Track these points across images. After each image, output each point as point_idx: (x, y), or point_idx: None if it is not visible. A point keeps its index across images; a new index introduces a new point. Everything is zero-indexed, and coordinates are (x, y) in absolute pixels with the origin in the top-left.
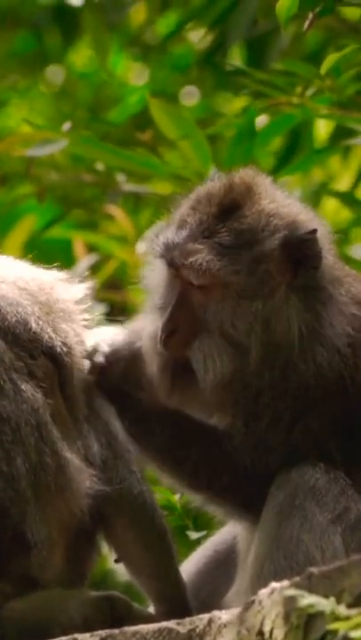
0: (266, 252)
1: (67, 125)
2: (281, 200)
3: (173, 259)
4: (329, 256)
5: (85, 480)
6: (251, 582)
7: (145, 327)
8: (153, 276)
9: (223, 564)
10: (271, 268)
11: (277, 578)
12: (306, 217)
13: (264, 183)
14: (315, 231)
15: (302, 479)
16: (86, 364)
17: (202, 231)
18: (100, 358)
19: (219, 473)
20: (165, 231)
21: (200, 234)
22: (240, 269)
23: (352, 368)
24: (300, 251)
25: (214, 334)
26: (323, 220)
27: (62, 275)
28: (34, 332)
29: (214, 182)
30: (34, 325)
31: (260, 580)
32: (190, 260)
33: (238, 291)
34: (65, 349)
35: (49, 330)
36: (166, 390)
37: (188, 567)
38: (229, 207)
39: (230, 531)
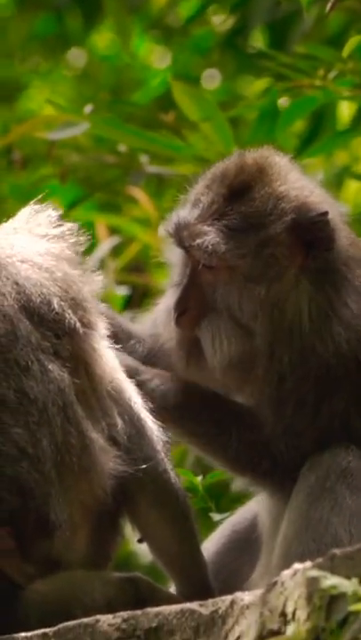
0: (272, 236)
1: (88, 108)
2: (293, 182)
3: (182, 239)
4: (343, 237)
5: (109, 461)
6: (278, 562)
7: (164, 302)
8: (171, 254)
9: (243, 544)
10: (278, 252)
11: (305, 559)
12: (317, 199)
13: (278, 164)
14: (325, 213)
15: (334, 461)
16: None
17: (212, 212)
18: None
19: (259, 458)
20: (179, 210)
21: (210, 215)
22: (246, 253)
23: None
24: (310, 233)
25: (222, 315)
26: (337, 202)
27: (72, 245)
28: (57, 313)
29: (230, 161)
30: (57, 306)
31: (287, 561)
32: (198, 241)
33: (244, 274)
34: (87, 328)
35: (70, 310)
36: (182, 366)
37: (208, 548)
38: (239, 189)
39: (249, 510)
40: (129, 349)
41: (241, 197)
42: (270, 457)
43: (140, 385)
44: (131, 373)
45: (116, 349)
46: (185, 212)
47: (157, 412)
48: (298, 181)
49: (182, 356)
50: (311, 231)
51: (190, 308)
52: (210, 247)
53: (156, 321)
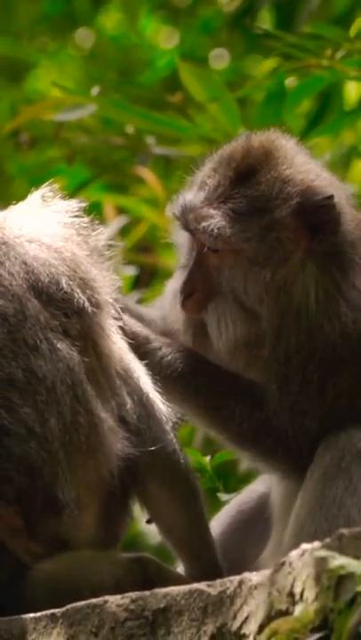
0: (277, 220)
1: (95, 89)
2: (299, 165)
3: (188, 222)
4: (349, 221)
5: (118, 441)
6: (290, 541)
7: (171, 284)
8: (178, 236)
9: (249, 524)
10: (283, 236)
11: (317, 538)
12: (323, 182)
13: (285, 147)
14: (331, 197)
15: (350, 442)
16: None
17: (218, 195)
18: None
19: (262, 435)
20: (186, 192)
21: (216, 198)
22: (251, 237)
23: None
24: (315, 217)
25: (228, 298)
26: (343, 184)
27: (82, 222)
28: (65, 292)
29: (237, 144)
30: (65, 285)
31: (298, 540)
32: (203, 224)
33: (250, 257)
34: (95, 307)
35: (78, 289)
36: (190, 344)
37: (214, 527)
38: (246, 172)
39: (255, 490)
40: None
41: (247, 181)
42: (274, 434)
43: (149, 353)
44: (140, 341)
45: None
46: (191, 195)
47: (163, 382)
48: (304, 165)
49: (189, 339)
50: (317, 215)
51: (197, 291)
52: (215, 231)
53: (166, 307)
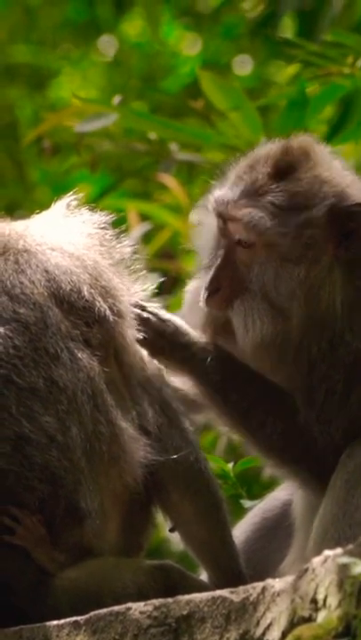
0: (314, 218)
1: (117, 99)
2: (336, 169)
3: (223, 212)
4: None
5: (140, 450)
6: (313, 548)
7: (191, 285)
8: (203, 236)
9: (272, 531)
10: (317, 235)
11: (340, 545)
12: (356, 190)
13: (321, 151)
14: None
15: None
16: (138, 328)
17: (256, 189)
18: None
19: (290, 445)
20: (219, 188)
21: (254, 191)
22: (288, 232)
23: None
24: (345, 222)
25: (256, 295)
26: None
27: (106, 233)
28: (87, 300)
29: (272, 145)
30: (87, 294)
31: (322, 546)
32: (241, 213)
33: (283, 253)
34: (117, 317)
35: (100, 298)
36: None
37: (237, 535)
38: (285, 169)
39: (279, 497)
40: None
41: (287, 176)
42: (302, 444)
43: (184, 348)
44: (172, 332)
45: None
46: (225, 190)
47: (195, 381)
48: (341, 170)
49: (207, 337)
50: (346, 219)
51: (222, 288)
52: (253, 221)
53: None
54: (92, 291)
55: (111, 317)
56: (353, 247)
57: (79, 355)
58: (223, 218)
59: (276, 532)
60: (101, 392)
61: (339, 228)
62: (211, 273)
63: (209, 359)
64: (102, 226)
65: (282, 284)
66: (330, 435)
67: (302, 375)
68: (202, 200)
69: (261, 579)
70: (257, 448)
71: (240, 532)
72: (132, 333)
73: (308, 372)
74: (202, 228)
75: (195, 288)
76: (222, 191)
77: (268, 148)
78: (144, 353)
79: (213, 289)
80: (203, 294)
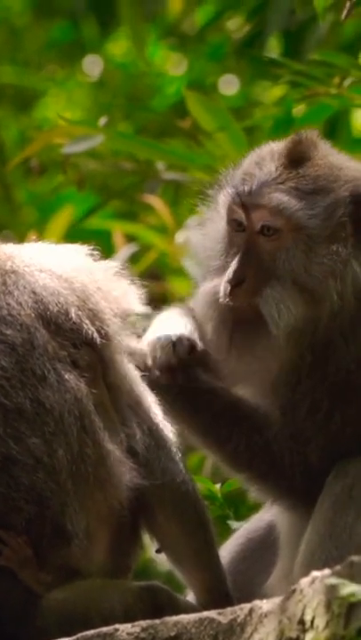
0: (340, 200)
1: (103, 120)
2: (345, 160)
3: (247, 201)
4: None
5: (126, 473)
6: (300, 569)
7: (199, 291)
8: (208, 243)
9: (258, 552)
10: (344, 217)
11: (327, 566)
12: None
13: (327, 145)
14: None
15: None
16: (128, 350)
17: (275, 178)
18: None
19: (257, 459)
20: (231, 183)
21: (273, 181)
22: (317, 214)
23: None
24: None
25: (286, 281)
26: None
27: (94, 257)
28: (74, 322)
29: (271, 145)
30: (74, 316)
31: (309, 568)
32: (267, 199)
33: (312, 236)
34: (105, 339)
35: (87, 320)
36: (224, 347)
37: (223, 556)
38: (300, 157)
39: (263, 518)
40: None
41: (303, 164)
42: (270, 460)
43: (147, 370)
44: (140, 356)
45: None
46: (241, 183)
47: (162, 399)
48: (347, 160)
49: (226, 335)
50: None
51: (247, 279)
52: (281, 205)
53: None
54: (80, 313)
55: (99, 340)
56: None
57: (66, 376)
58: (246, 207)
59: (262, 553)
60: (89, 414)
61: (357, 214)
62: (233, 266)
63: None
64: (90, 250)
65: (314, 266)
66: (303, 454)
67: (287, 389)
68: (201, 211)
69: (248, 600)
70: (223, 462)
71: (225, 553)
72: (120, 355)
73: (294, 386)
74: (205, 236)
75: (209, 289)
76: (239, 184)
77: (271, 146)
78: (132, 374)
79: (238, 281)
80: (224, 289)
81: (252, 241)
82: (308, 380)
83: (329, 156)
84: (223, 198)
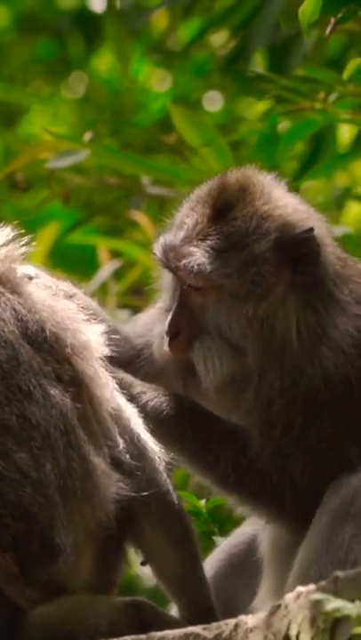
0: (257, 255)
1: (88, 135)
2: (277, 199)
3: (169, 261)
4: (330, 254)
5: (112, 485)
6: (294, 584)
7: (156, 328)
8: (162, 279)
9: (239, 567)
10: (264, 270)
11: None
12: (301, 215)
13: (261, 182)
14: (310, 230)
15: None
16: (106, 364)
17: (197, 233)
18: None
19: (247, 480)
20: (166, 234)
21: (195, 236)
22: (232, 272)
23: (358, 370)
24: (296, 250)
25: (214, 336)
26: (322, 217)
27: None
28: (57, 338)
29: (214, 182)
30: (55, 330)
31: (304, 583)
32: (183, 262)
33: (232, 293)
34: (83, 350)
35: (63, 334)
36: (180, 390)
37: (205, 570)
38: (222, 209)
39: (245, 532)
40: (114, 343)
41: (224, 217)
42: (258, 479)
43: (133, 398)
44: (123, 386)
45: (111, 366)
46: (171, 236)
47: (148, 426)
48: (281, 199)
49: (179, 380)
50: (297, 248)
51: (182, 331)
52: (195, 267)
53: (147, 325)
54: (54, 329)
55: (77, 352)
56: (306, 271)
57: (52, 391)
58: (169, 267)
59: (244, 567)
60: (73, 428)
61: (290, 258)
62: (169, 318)
63: (160, 405)
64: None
65: (234, 322)
66: (286, 470)
67: (260, 410)
68: (155, 241)
69: (231, 615)
70: (215, 484)
71: (208, 567)
72: (98, 365)
73: (266, 407)
74: (159, 270)
75: (160, 332)
76: (167, 238)
77: (208, 187)
78: (113, 385)
79: (174, 333)
80: (165, 339)
81: (185, 294)
82: (280, 400)
83: (256, 201)
84: (157, 249)
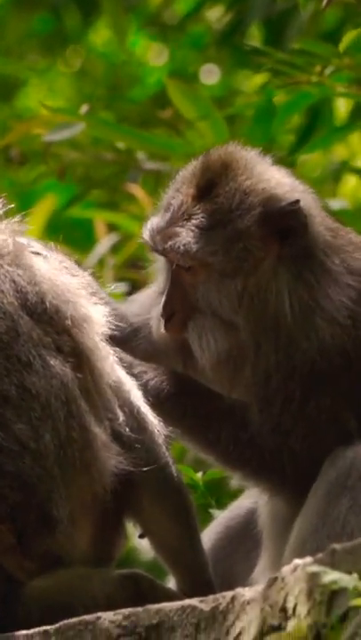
0: (241, 230)
1: (84, 108)
2: (260, 174)
3: (156, 244)
4: (318, 224)
5: (111, 458)
6: (290, 557)
7: (153, 311)
8: (156, 262)
9: (237, 540)
10: (250, 245)
11: None
12: (286, 188)
13: (244, 158)
14: (296, 202)
15: (357, 459)
16: (106, 338)
17: (182, 214)
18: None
19: (248, 456)
20: (153, 216)
21: (180, 217)
22: (217, 249)
23: (354, 341)
24: (282, 223)
25: (206, 314)
26: (309, 189)
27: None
28: (57, 310)
29: (197, 161)
30: (48, 304)
31: (301, 556)
32: (170, 243)
33: (219, 270)
34: (85, 322)
35: (64, 307)
36: (180, 369)
37: (203, 543)
38: (205, 187)
39: (242, 505)
40: (112, 321)
41: (208, 195)
42: (259, 455)
43: (133, 378)
44: (124, 367)
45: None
46: (157, 218)
47: (150, 405)
48: (265, 173)
49: (179, 362)
50: (283, 221)
51: (177, 312)
52: (181, 248)
53: (143, 305)
54: (55, 302)
55: (77, 324)
56: (295, 243)
57: (52, 362)
58: (157, 250)
59: (242, 540)
60: (75, 398)
61: (276, 231)
62: (163, 300)
63: (161, 384)
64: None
65: (224, 299)
66: (286, 445)
67: (258, 387)
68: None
69: (228, 587)
70: (217, 462)
71: (205, 540)
72: (99, 338)
73: (264, 383)
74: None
75: (157, 314)
76: (154, 220)
77: (192, 167)
78: (112, 356)
79: (168, 314)
80: (159, 322)
81: (176, 275)
82: (277, 375)
83: (238, 177)
84: (145, 232)
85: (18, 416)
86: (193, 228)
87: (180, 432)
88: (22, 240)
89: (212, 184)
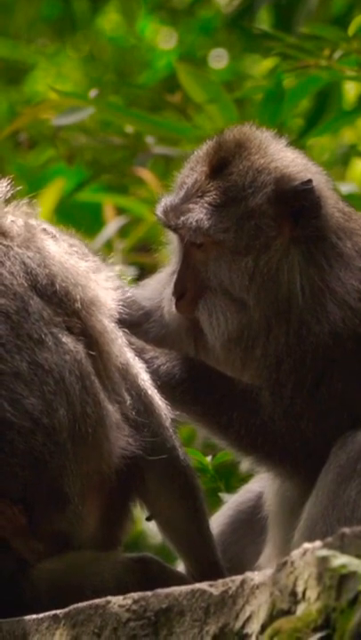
0: (254, 208)
1: (93, 92)
2: (273, 153)
3: (169, 220)
4: (331, 206)
5: (121, 438)
6: (300, 541)
7: (165, 292)
8: (170, 243)
9: (247, 524)
10: (262, 223)
11: None
12: (298, 168)
13: (257, 138)
14: (309, 181)
15: None
16: (117, 321)
17: (195, 191)
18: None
19: (260, 441)
20: (167, 195)
21: (194, 194)
22: (229, 227)
23: None
24: (295, 202)
25: (217, 292)
26: (322, 169)
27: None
28: (66, 292)
29: (211, 141)
30: (58, 286)
31: (310, 540)
32: (182, 219)
33: (231, 247)
34: (93, 305)
35: (73, 289)
36: (192, 352)
37: (212, 527)
38: (219, 165)
39: (252, 489)
40: (123, 305)
41: (221, 173)
42: (271, 439)
43: (145, 363)
44: (135, 352)
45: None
46: (172, 196)
47: (161, 391)
48: (278, 153)
49: (190, 342)
50: (296, 200)
51: (188, 291)
52: (194, 224)
53: (155, 289)
54: (64, 283)
55: (86, 306)
56: (308, 224)
57: (63, 339)
58: (170, 226)
59: (251, 524)
60: (89, 374)
61: (289, 210)
62: (174, 279)
63: (172, 369)
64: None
65: (235, 276)
66: (298, 429)
67: (270, 370)
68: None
69: (237, 572)
70: (230, 446)
71: (215, 524)
72: (107, 321)
73: (275, 366)
74: (165, 232)
75: (169, 294)
76: (168, 198)
77: (206, 145)
78: (122, 340)
79: (180, 293)
80: (170, 302)
81: (187, 253)
82: (289, 358)
83: (252, 156)
84: (158, 210)
85: (30, 391)
86: (206, 204)
87: (192, 417)
88: (33, 222)
89: (225, 162)
